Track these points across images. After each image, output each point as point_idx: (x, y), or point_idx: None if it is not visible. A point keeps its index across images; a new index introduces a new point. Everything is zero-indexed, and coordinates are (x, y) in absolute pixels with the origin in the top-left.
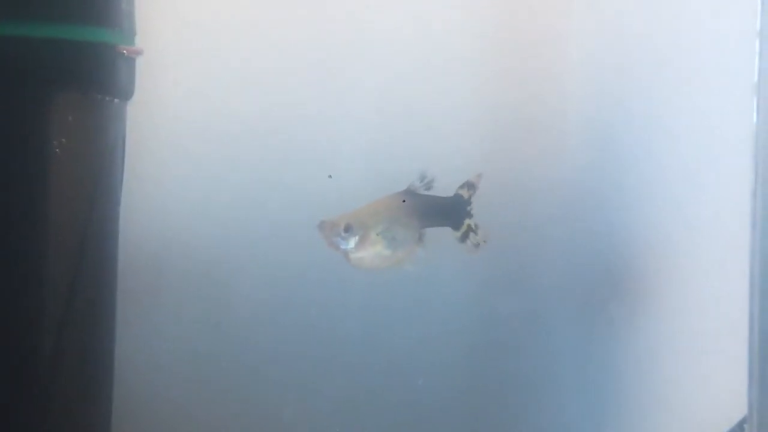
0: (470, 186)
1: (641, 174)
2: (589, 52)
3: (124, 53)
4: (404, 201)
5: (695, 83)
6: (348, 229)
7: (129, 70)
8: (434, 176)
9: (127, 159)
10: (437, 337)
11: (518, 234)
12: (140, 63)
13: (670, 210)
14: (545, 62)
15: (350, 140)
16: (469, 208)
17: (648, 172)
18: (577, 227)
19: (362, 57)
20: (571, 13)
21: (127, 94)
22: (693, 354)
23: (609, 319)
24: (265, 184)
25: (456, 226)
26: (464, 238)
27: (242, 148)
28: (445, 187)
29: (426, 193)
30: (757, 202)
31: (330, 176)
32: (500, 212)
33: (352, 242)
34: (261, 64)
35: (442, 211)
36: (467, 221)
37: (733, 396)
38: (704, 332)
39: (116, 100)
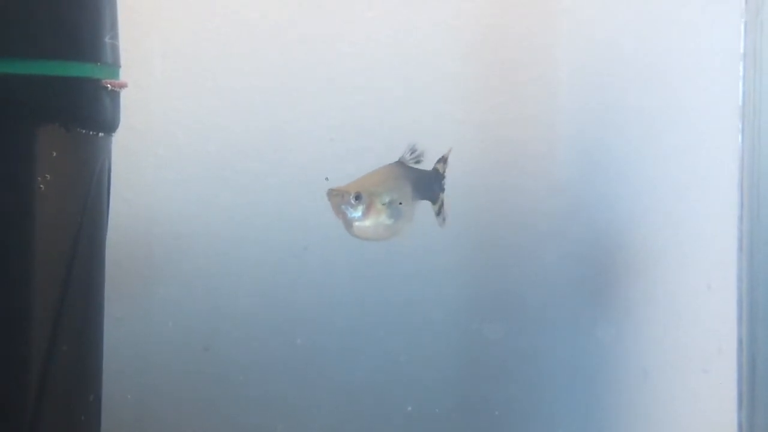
0: (445, 161)
1: (630, 192)
2: (577, 70)
3: (108, 87)
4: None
5: (683, 101)
6: (358, 197)
7: (113, 103)
8: (423, 150)
9: (115, 184)
10: (424, 360)
11: (505, 253)
12: (126, 92)
13: (659, 230)
14: (534, 80)
15: (340, 155)
16: (443, 183)
17: (637, 191)
18: (564, 247)
19: (352, 78)
20: (560, 31)
21: (111, 127)
22: (682, 374)
23: (597, 340)
24: (257, 205)
25: (434, 200)
26: (439, 211)
27: (232, 167)
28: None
29: (414, 166)
30: (744, 225)
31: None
32: (487, 231)
33: (360, 210)
34: (247, 90)
35: (426, 184)
36: (442, 196)
37: (722, 416)
38: (694, 352)
39: (101, 134)
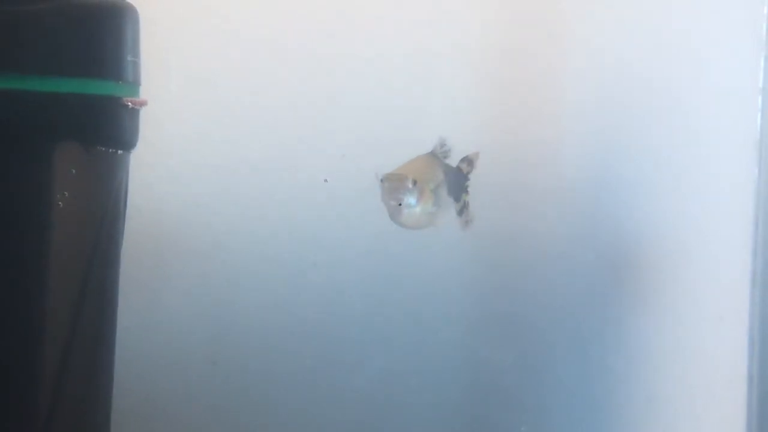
0: (469, 162)
1: (641, 222)
2: (589, 97)
3: (128, 105)
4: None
5: (699, 132)
6: (414, 183)
7: (133, 120)
8: (452, 146)
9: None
10: (430, 381)
11: (515, 277)
12: (144, 109)
13: (671, 259)
14: (545, 104)
15: (351, 172)
16: (467, 184)
17: (649, 220)
18: (574, 273)
19: (364, 96)
20: (572, 58)
21: (130, 144)
22: (690, 404)
23: (605, 367)
24: (267, 220)
25: (456, 198)
26: (461, 212)
27: (243, 181)
28: None
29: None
30: (758, 257)
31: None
32: (496, 252)
33: (415, 196)
34: (260, 106)
35: (452, 180)
36: (464, 196)
37: None
38: (702, 383)
39: (120, 152)
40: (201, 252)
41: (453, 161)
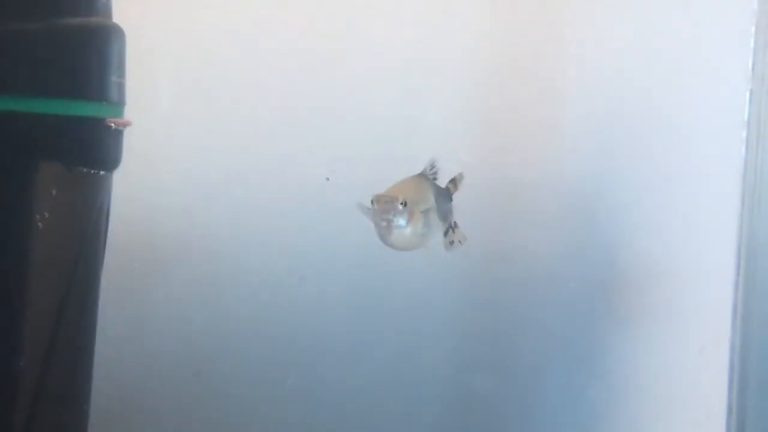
0: (455, 182)
1: (628, 248)
2: (583, 116)
3: (111, 126)
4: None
5: (687, 155)
6: (404, 204)
7: (116, 141)
8: (440, 167)
9: (117, 207)
10: (414, 403)
11: (497, 295)
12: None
13: (653, 291)
14: (540, 123)
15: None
16: (452, 205)
17: (635, 246)
18: (558, 303)
19: (356, 111)
20: (568, 76)
21: (113, 164)
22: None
23: (587, 396)
24: (255, 233)
25: (443, 219)
26: (446, 233)
27: (232, 194)
28: None
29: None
30: (740, 290)
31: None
32: (481, 272)
33: (405, 218)
34: (250, 120)
35: (441, 200)
36: (451, 217)
37: None
38: (683, 414)
39: (102, 172)
40: (188, 264)
41: (443, 182)
